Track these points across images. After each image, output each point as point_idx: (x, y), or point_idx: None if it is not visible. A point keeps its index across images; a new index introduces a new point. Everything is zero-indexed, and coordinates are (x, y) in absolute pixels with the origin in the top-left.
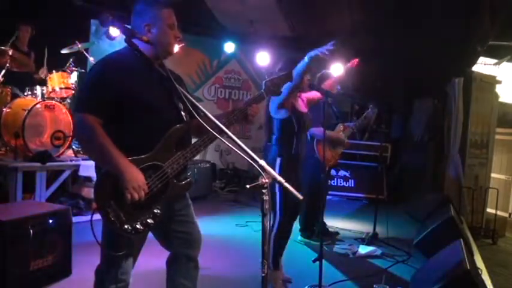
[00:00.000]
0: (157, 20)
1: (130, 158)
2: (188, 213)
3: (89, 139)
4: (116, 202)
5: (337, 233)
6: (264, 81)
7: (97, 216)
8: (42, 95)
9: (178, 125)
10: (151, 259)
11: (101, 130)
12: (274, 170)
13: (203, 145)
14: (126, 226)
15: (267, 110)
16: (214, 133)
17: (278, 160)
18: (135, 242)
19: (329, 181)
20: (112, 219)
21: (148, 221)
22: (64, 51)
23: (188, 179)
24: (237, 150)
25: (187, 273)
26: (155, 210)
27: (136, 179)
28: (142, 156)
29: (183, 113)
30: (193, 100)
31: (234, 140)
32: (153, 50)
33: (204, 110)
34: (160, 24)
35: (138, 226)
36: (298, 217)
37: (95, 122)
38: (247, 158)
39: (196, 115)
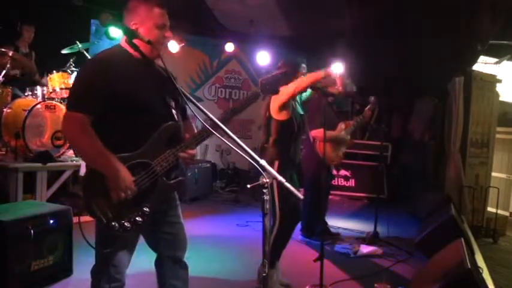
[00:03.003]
0: (146, 19)
1: (119, 155)
2: (176, 213)
3: (76, 137)
4: (103, 199)
5: (338, 234)
6: (259, 80)
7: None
8: (43, 95)
9: (169, 123)
10: (152, 260)
11: (89, 128)
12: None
13: (194, 143)
14: (113, 223)
15: (267, 110)
16: (211, 129)
17: (276, 163)
18: (127, 240)
19: (331, 181)
20: (98, 215)
21: (137, 219)
22: (65, 51)
23: (179, 178)
24: (237, 150)
25: (176, 274)
26: (144, 209)
27: (123, 178)
28: (131, 153)
29: (174, 112)
30: (192, 98)
31: (234, 140)
32: (147, 49)
33: (202, 108)
34: (149, 24)
35: (126, 224)
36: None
37: (84, 120)
38: (248, 158)
39: (195, 113)
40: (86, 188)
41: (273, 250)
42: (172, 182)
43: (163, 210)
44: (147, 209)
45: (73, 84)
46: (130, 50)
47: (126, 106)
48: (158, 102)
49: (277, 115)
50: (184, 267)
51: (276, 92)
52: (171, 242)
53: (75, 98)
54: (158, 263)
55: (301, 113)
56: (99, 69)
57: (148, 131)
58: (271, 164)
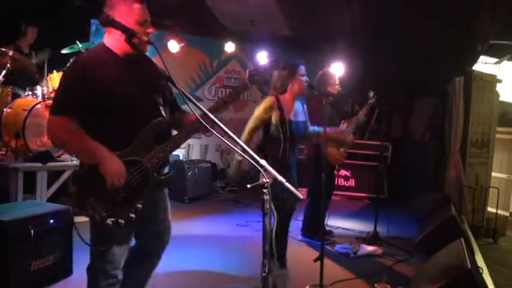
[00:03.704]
0: (127, 16)
1: None
2: (165, 212)
3: (65, 138)
4: (97, 198)
5: (331, 232)
6: (247, 70)
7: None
8: (43, 95)
9: (157, 119)
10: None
11: (77, 127)
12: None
13: (183, 138)
14: (107, 221)
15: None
16: (204, 123)
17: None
18: (121, 236)
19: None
20: (92, 214)
21: (131, 215)
22: (64, 51)
23: (169, 174)
24: (237, 150)
25: (152, 267)
26: (137, 205)
27: (116, 166)
28: (121, 152)
29: (161, 108)
30: (188, 94)
31: (234, 140)
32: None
33: (197, 103)
34: (130, 20)
35: (120, 221)
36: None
37: (69, 121)
38: (248, 158)
39: (194, 112)
40: (80, 187)
41: (278, 248)
42: (162, 177)
43: (153, 207)
44: (140, 206)
45: (57, 89)
46: (113, 49)
47: (111, 105)
48: (144, 100)
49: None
50: (159, 261)
51: (264, 82)
52: (157, 239)
53: (58, 102)
54: (137, 255)
55: (302, 119)
56: (78, 71)
57: (136, 129)
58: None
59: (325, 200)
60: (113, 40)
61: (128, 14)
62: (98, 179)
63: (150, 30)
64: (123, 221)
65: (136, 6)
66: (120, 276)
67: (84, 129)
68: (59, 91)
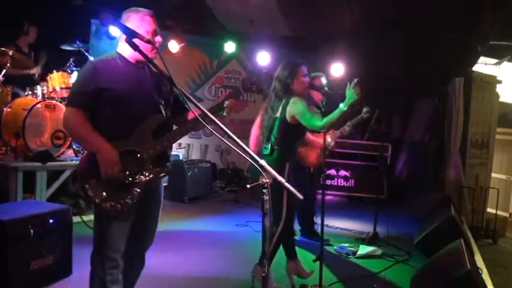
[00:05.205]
0: (138, 26)
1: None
2: (156, 211)
3: (73, 128)
4: (98, 181)
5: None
6: (242, 79)
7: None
8: (43, 94)
9: (155, 115)
10: (148, 260)
11: (83, 120)
12: (281, 173)
13: (180, 134)
14: (106, 204)
15: (281, 111)
16: (202, 122)
17: (287, 165)
18: (120, 221)
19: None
20: (90, 195)
21: (127, 200)
22: (64, 47)
23: (166, 164)
24: (237, 150)
25: (142, 266)
26: (134, 192)
27: (110, 156)
28: (120, 142)
29: (161, 107)
30: (188, 95)
31: (234, 140)
32: (145, 49)
33: (199, 104)
34: (141, 30)
35: (117, 205)
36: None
37: (79, 114)
38: (247, 158)
39: (192, 110)
40: (82, 170)
41: (274, 250)
42: (158, 169)
43: (147, 204)
44: (137, 193)
45: (72, 85)
46: (124, 55)
47: (113, 100)
48: (145, 99)
49: (292, 120)
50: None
51: (259, 90)
52: (147, 238)
53: (71, 96)
54: (132, 258)
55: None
56: (88, 71)
57: (135, 123)
58: (283, 166)
59: (311, 202)
60: (124, 47)
61: (140, 24)
62: (98, 166)
63: (158, 39)
64: (119, 206)
65: (147, 18)
66: (120, 262)
67: (91, 121)
68: (74, 87)
